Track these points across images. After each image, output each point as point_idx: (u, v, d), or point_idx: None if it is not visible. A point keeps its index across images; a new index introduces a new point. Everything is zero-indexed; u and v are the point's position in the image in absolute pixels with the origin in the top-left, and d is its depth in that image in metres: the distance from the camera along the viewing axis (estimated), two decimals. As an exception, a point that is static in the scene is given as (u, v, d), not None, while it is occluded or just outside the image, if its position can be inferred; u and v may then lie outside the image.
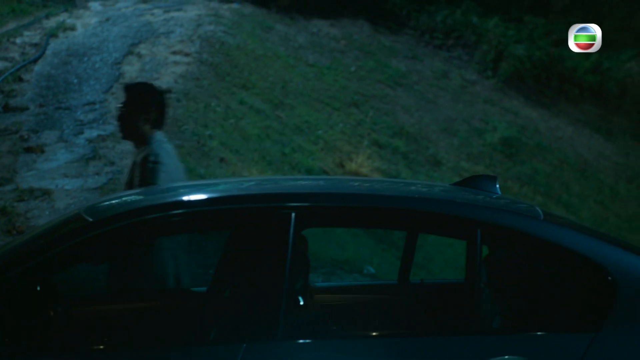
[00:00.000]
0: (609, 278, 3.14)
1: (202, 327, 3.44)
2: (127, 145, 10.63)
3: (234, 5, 13.78)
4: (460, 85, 13.78)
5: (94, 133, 10.15)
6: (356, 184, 4.06)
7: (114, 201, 3.66)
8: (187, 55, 12.12)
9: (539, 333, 3.20)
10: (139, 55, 11.96)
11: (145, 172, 4.52)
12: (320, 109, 12.41)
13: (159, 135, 4.69)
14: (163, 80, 11.49)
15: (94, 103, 10.78)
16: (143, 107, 4.70)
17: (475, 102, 13.60)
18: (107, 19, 12.99)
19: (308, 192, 3.58)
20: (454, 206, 3.37)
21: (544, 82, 14.07)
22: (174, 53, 12.13)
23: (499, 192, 3.71)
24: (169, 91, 11.32)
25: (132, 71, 11.64)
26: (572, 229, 3.38)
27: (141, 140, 4.66)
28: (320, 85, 12.82)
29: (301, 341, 3.13)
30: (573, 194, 12.68)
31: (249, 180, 4.68)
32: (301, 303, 3.61)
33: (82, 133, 10.02)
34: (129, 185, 4.65)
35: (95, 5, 13.65)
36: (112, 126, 10.54)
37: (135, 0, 13.92)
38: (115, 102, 11.09)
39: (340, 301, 4.06)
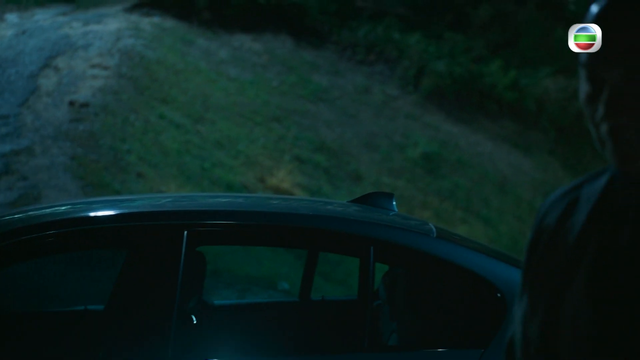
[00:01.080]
0: (498, 295, 3.16)
1: (92, 347, 3.37)
2: (44, 160, 10.45)
3: (155, 19, 13.66)
4: (382, 101, 13.86)
5: (7, 147, 9.93)
6: (261, 201, 4.03)
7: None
8: (106, 68, 11.96)
9: (432, 350, 3.21)
10: (56, 68, 11.76)
11: None
12: (242, 124, 12.36)
13: None
14: (80, 94, 11.32)
15: (7, 117, 10.56)
16: None
17: (397, 117, 13.68)
18: (24, 32, 12.75)
19: (201, 210, 3.53)
20: (348, 224, 3.36)
21: (465, 98, 14.23)
22: (93, 66, 11.96)
23: (396, 209, 3.71)
24: (86, 105, 11.16)
25: (48, 84, 11.44)
26: (463, 246, 3.39)
27: None
28: (242, 99, 12.77)
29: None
30: (492, 209, 12.82)
31: (148, 197, 4.61)
32: (194, 322, 3.55)
33: (-6, 147, 9.81)
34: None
35: (11, 17, 13.39)
36: (27, 140, 10.33)
37: (53, 12, 13.69)
38: (30, 115, 10.89)
39: (239, 320, 4.01)
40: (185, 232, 3.24)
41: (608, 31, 1.35)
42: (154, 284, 3.22)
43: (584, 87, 1.40)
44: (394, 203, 3.69)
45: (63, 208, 3.77)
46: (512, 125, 14.06)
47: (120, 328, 3.25)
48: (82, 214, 3.51)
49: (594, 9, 1.39)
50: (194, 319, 3.54)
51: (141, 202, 3.93)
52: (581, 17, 1.49)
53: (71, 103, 11.03)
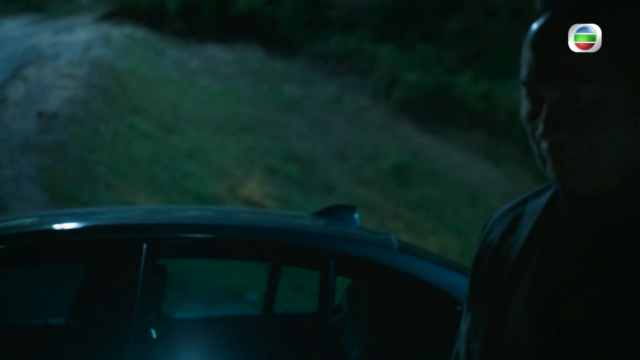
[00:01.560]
0: (458, 308, 3.14)
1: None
2: (11, 171, 10.36)
3: (126, 29, 13.58)
4: (353, 111, 13.86)
5: (-26, 159, 9.84)
6: (224, 214, 4.00)
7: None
8: (75, 79, 11.87)
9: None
10: (25, 79, 11.66)
11: None
12: (213, 134, 12.31)
13: None
14: (49, 105, 11.23)
15: (-26, 127, 10.46)
16: None
17: (369, 128, 13.68)
18: (-8, 41, 12.65)
19: (161, 223, 3.49)
20: (308, 237, 3.34)
21: (436, 109, 14.25)
22: (62, 77, 11.87)
23: (358, 221, 3.69)
24: (54, 115, 11.07)
25: (17, 95, 11.34)
26: (424, 258, 3.38)
27: None
28: (213, 110, 12.72)
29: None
30: (463, 220, 12.83)
31: (111, 210, 4.57)
32: (154, 336, 3.51)
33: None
34: None
35: (-20, 27, 13.28)
36: (-5, 151, 10.24)
37: (23, 22, 13.59)
38: (-2, 126, 10.79)
39: (199, 333, 3.97)
40: (145, 245, 3.20)
41: (544, 50, 1.37)
42: (112, 298, 3.20)
43: (524, 105, 1.41)
44: (356, 215, 3.68)
45: (24, 220, 3.73)
46: (483, 136, 14.10)
47: (79, 343, 3.22)
48: (41, 227, 3.48)
49: (533, 27, 1.40)
50: (154, 333, 3.50)
51: (103, 215, 3.89)
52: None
53: (40, 114, 10.94)
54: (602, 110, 1.34)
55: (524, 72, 1.40)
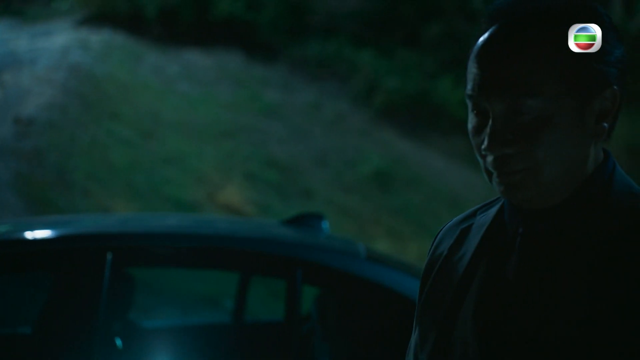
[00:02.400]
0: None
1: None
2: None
3: (104, 34, 13.52)
4: (333, 117, 13.85)
5: (-51, 164, 9.76)
6: (193, 222, 3.98)
7: None
8: (53, 84, 11.80)
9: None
10: (1, 84, 11.58)
11: None
12: (192, 140, 12.26)
13: None
14: (26, 110, 11.15)
15: (-51, 133, 10.37)
16: None
17: (349, 133, 13.67)
18: (-31, 46, 12.57)
19: (126, 232, 3.47)
20: (274, 246, 3.32)
21: (417, 114, 14.26)
22: (39, 82, 11.79)
23: (326, 230, 3.67)
24: (31, 121, 10.99)
25: (-7, 100, 11.25)
26: (393, 267, 3.36)
27: None
28: (192, 115, 12.68)
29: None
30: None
31: (78, 219, 4.54)
32: (119, 346, 3.47)
33: None
34: None
35: (-43, 32, 13.19)
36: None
37: (1, 27, 13.50)
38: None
39: (167, 342, 3.94)
40: (110, 254, 3.19)
41: (489, 64, 1.37)
42: (75, 308, 3.19)
43: (470, 119, 1.42)
44: (325, 224, 3.66)
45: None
46: (463, 141, 14.11)
47: (45, 353, 3.22)
48: (7, 237, 3.47)
49: (479, 41, 1.41)
50: (119, 342, 3.47)
51: (70, 223, 3.86)
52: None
53: (16, 119, 10.86)
54: (547, 124, 1.34)
55: (469, 86, 1.40)
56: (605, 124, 1.39)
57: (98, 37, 13.35)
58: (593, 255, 1.33)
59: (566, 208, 1.38)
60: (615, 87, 1.39)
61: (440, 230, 1.61)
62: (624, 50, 1.40)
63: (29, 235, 3.32)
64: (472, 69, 1.40)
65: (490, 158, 1.37)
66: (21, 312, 4.56)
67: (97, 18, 13.94)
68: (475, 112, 1.40)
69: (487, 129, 1.37)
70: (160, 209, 10.54)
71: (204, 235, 3.33)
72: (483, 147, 1.38)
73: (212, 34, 14.18)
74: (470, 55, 1.42)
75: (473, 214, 1.56)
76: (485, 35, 1.40)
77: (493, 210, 1.51)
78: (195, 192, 11.39)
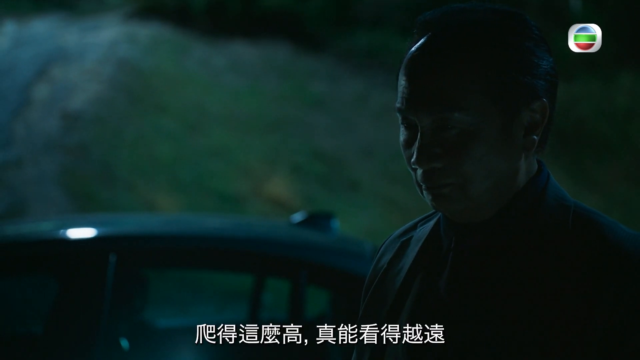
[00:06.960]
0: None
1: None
2: (33, 171, 10.42)
3: (152, 27, 13.62)
4: (380, 108, 13.75)
5: (-3, 158, 9.92)
6: (200, 223, 3.98)
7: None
8: (100, 78, 11.92)
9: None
10: (50, 78, 11.74)
11: None
12: (237, 133, 12.28)
13: None
14: (73, 104, 11.28)
15: (-2, 127, 10.55)
16: None
17: (396, 125, 13.45)
18: (20, 41, 12.75)
19: (130, 234, 3.49)
20: (279, 247, 3.29)
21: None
22: (87, 76, 11.92)
23: (336, 229, 3.63)
24: (78, 115, 11.11)
25: (41, 94, 11.41)
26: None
27: None
28: (238, 108, 12.70)
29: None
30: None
31: (86, 220, 4.58)
32: (125, 347, 3.47)
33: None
34: None
35: (9, 26, 13.39)
36: (17, 151, 10.31)
37: (50, 20, 13.68)
38: (21, 126, 10.86)
39: (179, 343, 3.92)
40: (114, 256, 3.20)
41: (415, 78, 1.36)
42: (79, 310, 3.20)
43: (401, 132, 1.42)
44: (335, 223, 3.61)
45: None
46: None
47: (53, 354, 3.24)
48: (17, 239, 3.51)
49: (407, 53, 1.40)
50: (125, 343, 3.46)
51: (77, 224, 3.88)
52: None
53: (63, 113, 11.00)
54: (474, 138, 1.33)
55: (398, 99, 1.39)
56: (535, 137, 1.36)
57: (146, 31, 13.45)
58: (521, 271, 1.31)
59: (496, 223, 1.36)
60: (544, 99, 1.36)
61: (384, 243, 1.58)
62: (553, 62, 1.37)
63: (33, 238, 3.37)
64: (401, 81, 1.39)
65: (419, 172, 1.36)
66: (28, 313, 4.59)
67: (145, 12, 14.05)
68: (405, 125, 1.40)
69: (416, 143, 1.36)
70: (204, 202, 10.59)
71: (204, 237, 3.34)
72: (412, 160, 1.37)
73: (259, 26, 14.18)
74: (400, 67, 1.40)
75: (414, 226, 1.53)
76: (414, 47, 1.38)
77: (431, 223, 1.48)
78: (241, 185, 11.41)
